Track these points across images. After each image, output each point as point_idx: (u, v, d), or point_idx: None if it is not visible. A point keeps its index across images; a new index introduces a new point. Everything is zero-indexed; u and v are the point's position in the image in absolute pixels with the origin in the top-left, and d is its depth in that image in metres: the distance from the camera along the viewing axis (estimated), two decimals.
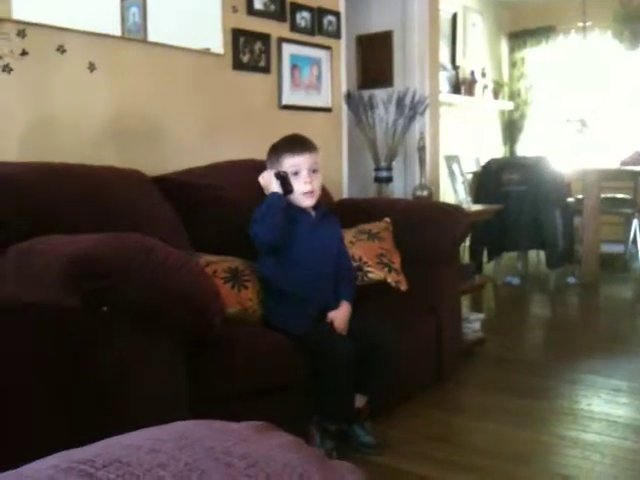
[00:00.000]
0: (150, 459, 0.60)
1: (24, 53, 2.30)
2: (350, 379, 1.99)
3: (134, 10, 2.70)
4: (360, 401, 2.13)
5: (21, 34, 2.29)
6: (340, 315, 2.12)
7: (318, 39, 3.58)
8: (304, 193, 2.14)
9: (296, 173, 2.12)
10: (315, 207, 2.21)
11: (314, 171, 2.16)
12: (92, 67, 2.52)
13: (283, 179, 2.10)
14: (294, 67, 3.42)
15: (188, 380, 1.64)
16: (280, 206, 2.06)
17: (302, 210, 2.17)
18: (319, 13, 3.57)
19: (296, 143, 2.16)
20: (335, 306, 2.14)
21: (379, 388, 2.19)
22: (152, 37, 2.74)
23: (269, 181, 2.12)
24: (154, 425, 0.70)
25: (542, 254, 5.08)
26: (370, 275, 2.47)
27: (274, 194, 2.09)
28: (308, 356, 1.97)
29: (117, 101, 2.63)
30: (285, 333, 2.01)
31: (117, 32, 2.61)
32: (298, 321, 2.05)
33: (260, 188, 2.16)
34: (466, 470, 2.03)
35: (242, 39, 3.13)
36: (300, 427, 1.97)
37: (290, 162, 2.12)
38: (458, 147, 5.80)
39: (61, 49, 2.41)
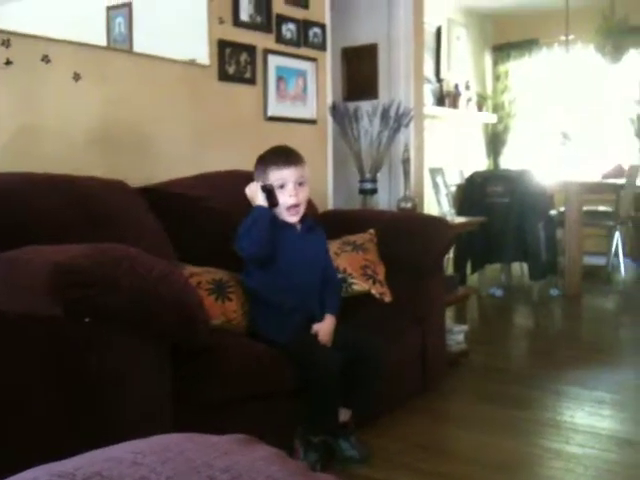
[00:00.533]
0: (132, 472, 0.60)
1: (8, 62, 2.29)
2: (335, 391, 1.98)
3: (120, 20, 2.70)
4: (345, 415, 2.12)
5: (5, 44, 2.28)
6: (324, 328, 2.12)
7: (304, 51, 3.60)
8: (288, 208, 2.13)
9: (282, 186, 2.12)
10: (302, 220, 2.21)
11: (300, 184, 2.15)
12: (77, 77, 2.51)
13: (269, 192, 2.10)
14: (280, 79, 3.43)
15: (175, 388, 1.63)
16: (265, 219, 2.06)
17: (287, 224, 2.16)
18: (305, 25, 3.58)
19: (282, 156, 2.16)
20: (320, 318, 2.14)
21: (366, 403, 2.19)
22: (138, 47, 2.73)
23: (255, 193, 2.12)
24: (140, 431, 0.70)
25: (525, 266, 5.11)
26: (354, 287, 2.47)
27: (259, 207, 2.08)
28: (294, 365, 1.97)
29: (102, 111, 2.62)
30: (271, 343, 2.01)
31: (102, 42, 2.61)
32: (284, 331, 2.05)
33: (246, 199, 2.15)
34: (448, 479, 2.03)
35: (228, 50, 3.13)
36: (286, 435, 1.96)
37: (276, 175, 2.12)
38: (442, 159, 5.84)
39: (46, 59, 2.41)
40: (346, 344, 2.08)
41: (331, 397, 2.00)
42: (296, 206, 2.14)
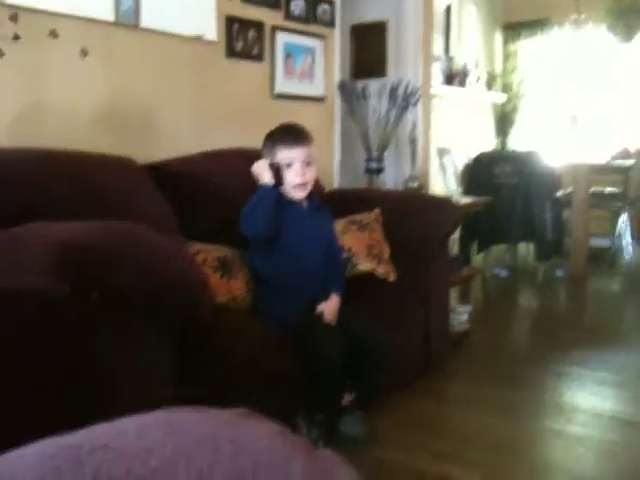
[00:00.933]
0: (137, 445, 0.61)
1: (16, 37, 2.28)
2: (338, 376, 1.99)
3: None
4: (348, 398, 2.13)
5: (13, 18, 2.27)
6: (329, 307, 2.12)
7: (312, 28, 3.57)
8: (295, 186, 2.14)
9: (289, 165, 2.12)
10: (308, 198, 2.21)
11: (308, 164, 2.15)
12: (84, 52, 2.50)
13: (276, 171, 2.10)
14: (288, 56, 3.41)
15: (179, 370, 1.64)
16: (270, 198, 2.06)
17: (293, 201, 2.16)
18: (314, 2, 3.56)
19: (291, 135, 2.15)
20: (325, 297, 2.15)
21: (369, 393, 2.20)
22: (145, 23, 2.72)
23: (262, 169, 2.11)
24: (142, 409, 0.71)
25: (531, 247, 5.11)
26: (359, 266, 2.48)
27: (264, 186, 2.08)
28: (298, 351, 1.98)
29: (109, 87, 2.62)
30: (274, 324, 2.02)
31: (110, 18, 2.60)
32: (288, 312, 2.06)
33: (251, 177, 2.15)
34: (451, 459, 2.05)
35: (236, 26, 3.11)
36: (290, 418, 1.98)
37: (284, 154, 2.12)
38: (449, 139, 5.81)
39: (53, 34, 2.40)
40: (350, 334, 2.07)
41: (335, 382, 2.00)
42: (303, 184, 2.15)
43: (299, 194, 2.16)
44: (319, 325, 2.06)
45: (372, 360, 2.11)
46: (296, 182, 2.13)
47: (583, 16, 6.35)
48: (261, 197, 2.06)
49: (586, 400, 2.53)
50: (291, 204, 2.16)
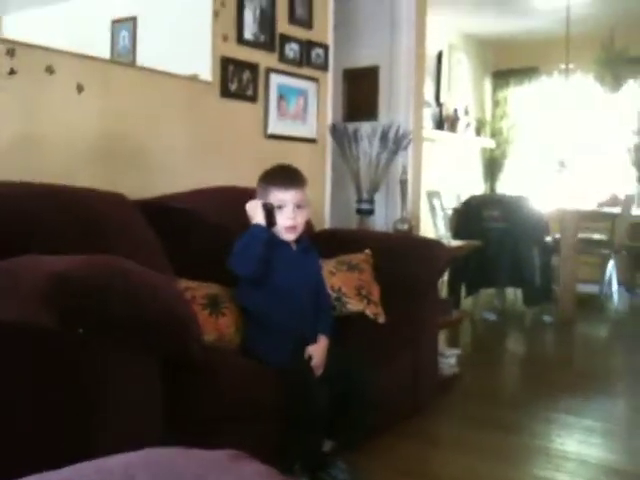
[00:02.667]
0: None
1: (12, 72, 2.30)
2: (322, 424, 1.98)
3: (124, 34, 2.72)
4: (328, 446, 2.10)
5: (10, 53, 2.29)
6: (319, 350, 2.11)
7: (306, 71, 3.63)
8: (285, 228, 2.14)
9: (281, 207, 2.13)
10: (298, 240, 2.22)
11: (299, 207, 2.15)
12: (80, 88, 2.53)
13: (269, 212, 2.10)
14: (281, 97, 3.46)
15: (166, 405, 1.62)
16: (262, 238, 2.05)
17: (284, 242, 2.17)
18: (308, 45, 3.62)
19: (285, 178, 2.15)
20: (314, 340, 2.14)
21: (353, 439, 2.17)
22: (141, 61, 2.75)
23: (255, 210, 2.12)
24: (129, 445, 0.70)
25: (519, 291, 5.13)
26: (349, 306, 2.47)
27: (257, 226, 2.08)
28: (285, 394, 1.96)
29: (104, 123, 2.63)
30: (263, 364, 2.01)
31: (106, 55, 2.63)
32: (276, 352, 2.04)
33: (245, 216, 2.16)
34: None
35: (231, 67, 3.16)
36: (277, 455, 1.95)
37: (277, 196, 2.13)
38: (440, 182, 5.86)
39: (50, 69, 2.42)
40: (337, 375, 2.07)
41: (317, 433, 1.99)
42: (293, 227, 2.15)
43: (288, 236, 2.16)
44: (306, 377, 2.04)
45: (358, 405, 2.09)
46: (286, 225, 2.13)
47: (571, 66, 6.49)
48: (253, 237, 2.05)
49: (574, 447, 2.51)
50: (281, 245, 2.16)
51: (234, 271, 2.07)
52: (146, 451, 0.69)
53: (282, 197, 2.12)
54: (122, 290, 1.44)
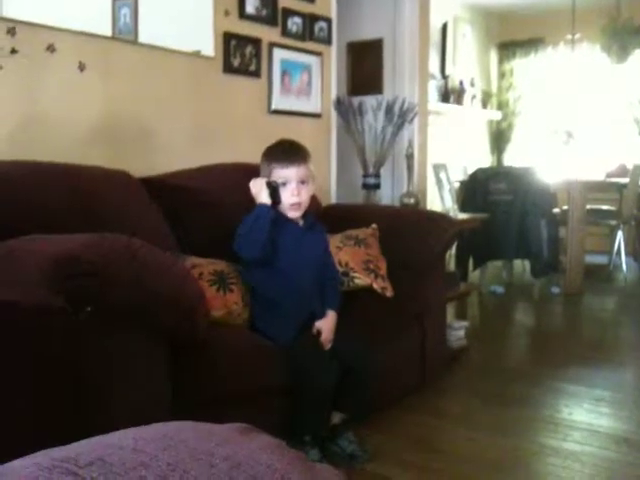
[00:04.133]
0: (133, 458, 0.60)
1: (14, 51, 2.29)
2: (329, 401, 2.00)
3: (125, 11, 2.70)
4: (337, 417, 2.12)
5: (11, 32, 2.28)
6: (327, 325, 2.12)
7: (309, 45, 3.59)
8: (291, 205, 2.13)
9: (284, 184, 2.12)
10: (303, 216, 2.21)
11: (303, 182, 2.13)
12: (82, 67, 2.51)
13: (274, 189, 2.09)
14: (284, 72, 3.43)
15: (174, 382, 1.63)
16: (267, 219, 2.04)
17: (289, 219, 2.15)
18: (311, 19, 3.58)
19: (287, 154, 2.13)
20: (321, 315, 2.14)
21: (358, 409, 2.19)
22: (143, 38, 2.73)
23: (260, 188, 2.10)
24: (136, 424, 0.70)
25: (527, 263, 5.12)
26: (356, 281, 2.47)
27: (262, 206, 2.06)
28: (291, 371, 1.97)
29: (107, 101, 2.62)
30: (271, 341, 2.02)
31: (108, 32, 2.61)
32: (284, 330, 2.05)
33: (249, 192, 2.15)
34: (445, 476, 2.03)
35: (233, 43, 3.13)
36: (284, 430, 1.96)
37: (280, 174, 2.11)
38: (446, 156, 5.83)
39: (51, 48, 2.41)
40: (343, 351, 2.09)
41: (325, 406, 2.01)
42: (297, 204, 2.14)
43: (294, 213, 2.15)
44: (315, 350, 2.05)
45: (358, 380, 2.11)
46: (291, 202, 2.12)
47: (578, 36, 6.40)
48: (257, 218, 2.04)
49: (583, 417, 2.52)
50: (287, 223, 2.15)
51: (239, 254, 2.07)
52: (154, 425, 0.70)
53: (285, 174, 2.11)
54: (129, 270, 1.44)
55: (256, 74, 3.27)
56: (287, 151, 2.15)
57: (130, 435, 0.66)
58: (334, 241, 2.51)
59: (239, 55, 3.17)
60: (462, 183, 5.26)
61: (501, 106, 7.50)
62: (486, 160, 7.42)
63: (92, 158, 2.40)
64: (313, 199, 2.36)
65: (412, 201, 3.61)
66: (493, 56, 7.59)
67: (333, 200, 3.78)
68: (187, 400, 1.68)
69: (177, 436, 0.67)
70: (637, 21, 5.98)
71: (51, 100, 2.44)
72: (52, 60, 2.42)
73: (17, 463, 0.61)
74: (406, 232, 2.68)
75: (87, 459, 0.59)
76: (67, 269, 1.37)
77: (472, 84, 6.94)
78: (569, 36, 6.37)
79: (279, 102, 3.40)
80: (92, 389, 1.47)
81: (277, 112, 3.40)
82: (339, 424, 2.13)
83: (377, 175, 3.66)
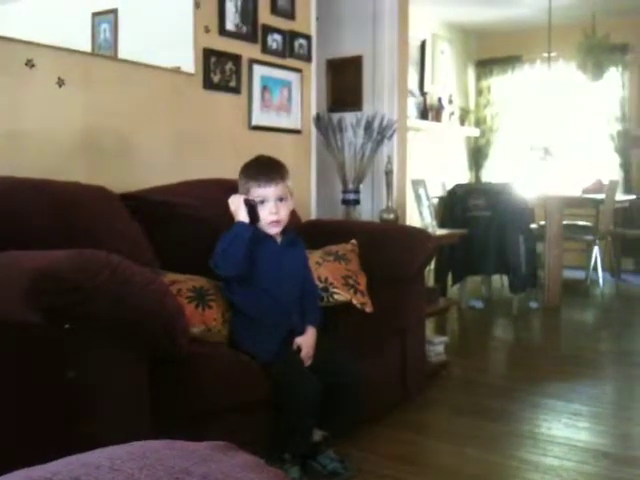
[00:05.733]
0: (110, 478, 0.60)
1: None
2: (311, 418, 1.99)
3: (105, 26, 2.70)
4: (318, 435, 2.11)
5: None
6: (307, 341, 2.12)
7: (289, 62, 3.61)
8: (269, 222, 2.13)
9: (263, 202, 2.12)
10: (283, 232, 2.21)
11: (281, 199, 2.14)
12: (61, 82, 2.50)
13: (252, 208, 2.09)
14: (264, 88, 3.44)
15: (154, 398, 1.62)
16: (245, 237, 2.03)
17: (268, 236, 2.15)
18: (290, 36, 3.60)
19: (264, 173, 2.12)
20: (302, 331, 2.14)
21: (342, 426, 2.18)
22: (123, 54, 2.73)
23: (238, 206, 2.10)
24: (115, 442, 0.70)
25: (506, 278, 5.15)
26: (336, 296, 2.48)
27: (240, 224, 2.06)
28: (273, 387, 1.96)
29: (86, 117, 2.61)
30: (251, 356, 2.01)
31: (87, 48, 2.61)
32: (264, 347, 2.04)
33: (228, 208, 2.15)
34: None
35: (213, 59, 3.14)
36: (264, 446, 1.95)
37: (257, 192, 2.11)
38: (425, 172, 5.87)
39: (30, 63, 2.40)
40: (325, 368, 2.07)
41: (307, 424, 2.00)
42: (276, 221, 2.14)
43: (273, 230, 2.15)
44: (296, 366, 2.04)
45: (347, 395, 2.10)
46: (269, 220, 2.12)
47: (554, 54, 6.51)
48: (236, 235, 2.04)
49: (562, 432, 2.53)
50: (266, 239, 2.15)
51: (217, 272, 2.06)
52: (132, 444, 0.69)
53: (263, 193, 2.11)
54: (108, 285, 1.43)
55: (236, 90, 3.28)
56: (264, 170, 2.14)
57: (107, 454, 0.65)
58: (314, 257, 2.51)
59: (219, 71, 3.18)
60: (441, 199, 5.30)
61: (479, 123, 7.59)
62: (464, 176, 7.49)
63: (71, 174, 2.38)
64: (292, 214, 2.37)
65: (391, 217, 3.63)
66: (471, 73, 7.69)
67: (313, 216, 3.79)
68: (168, 416, 1.67)
69: (154, 455, 0.66)
70: (611, 39, 6.10)
71: (30, 116, 2.43)
72: (31, 75, 2.41)
73: None
74: (386, 247, 2.69)
75: (64, 478, 0.58)
76: (45, 285, 1.36)
77: (450, 101, 7.02)
78: (545, 54, 6.47)
79: (259, 118, 3.41)
80: (73, 405, 1.46)
81: (257, 128, 3.41)
82: (320, 441, 2.12)
83: (357, 191, 3.68)
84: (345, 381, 2.10)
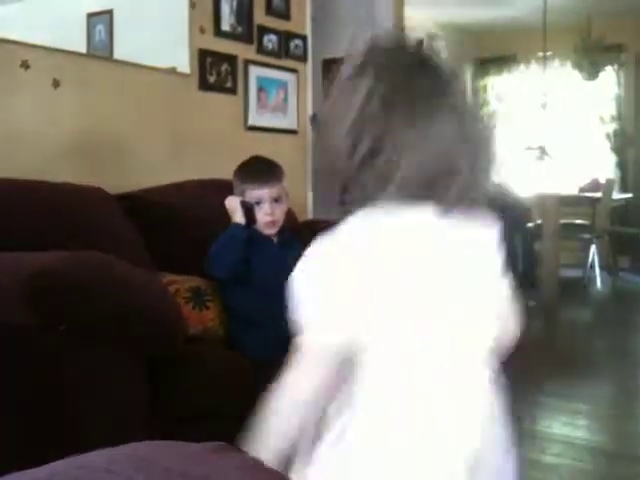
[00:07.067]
0: (106, 479, 0.59)
1: None
2: None
3: (100, 27, 2.69)
4: None
5: None
6: None
7: (285, 62, 3.61)
8: (265, 223, 2.13)
9: (258, 203, 2.12)
10: (279, 232, 2.20)
11: (277, 200, 2.13)
12: (56, 83, 2.50)
13: (248, 210, 2.09)
14: (260, 89, 3.44)
15: (152, 399, 1.61)
16: (240, 239, 2.03)
17: (264, 236, 2.15)
18: (286, 36, 3.60)
19: (259, 175, 2.12)
20: None
21: None
22: (118, 55, 2.73)
23: (234, 207, 2.10)
24: (113, 442, 0.69)
25: None
26: None
27: (236, 226, 2.06)
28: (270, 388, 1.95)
29: (81, 118, 2.60)
30: (248, 358, 2.00)
31: (82, 49, 2.60)
32: (260, 348, 2.04)
33: (225, 209, 2.14)
34: None
35: (209, 60, 3.13)
36: None
37: (252, 194, 2.10)
38: None
39: (25, 65, 2.39)
40: None
41: None
42: (272, 222, 2.14)
43: (269, 231, 2.15)
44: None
45: None
46: (265, 221, 2.12)
47: (549, 54, 6.52)
48: (232, 236, 2.03)
49: (560, 430, 2.53)
50: (262, 240, 2.14)
51: (211, 274, 2.05)
52: (128, 445, 0.69)
53: (258, 195, 2.10)
54: (106, 286, 1.42)
55: (232, 91, 3.28)
56: (259, 172, 2.14)
57: (103, 456, 0.65)
58: None
59: (215, 72, 3.17)
60: None
61: None
62: None
63: (67, 175, 2.37)
64: (289, 214, 2.36)
65: None
66: (467, 73, 7.69)
67: (310, 216, 3.78)
68: (166, 416, 1.67)
69: (151, 456, 0.66)
70: (607, 39, 6.11)
71: (25, 117, 2.42)
72: (26, 76, 2.40)
73: None
74: None
75: None
76: (42, 286, 1.36)
77: None
78: (541, 54, 6.48)
79: (255, 119, 3.41)
80: (71, 405, 1.45)
81: (253, 128, 3.40)
82: None
83: None
84: None
